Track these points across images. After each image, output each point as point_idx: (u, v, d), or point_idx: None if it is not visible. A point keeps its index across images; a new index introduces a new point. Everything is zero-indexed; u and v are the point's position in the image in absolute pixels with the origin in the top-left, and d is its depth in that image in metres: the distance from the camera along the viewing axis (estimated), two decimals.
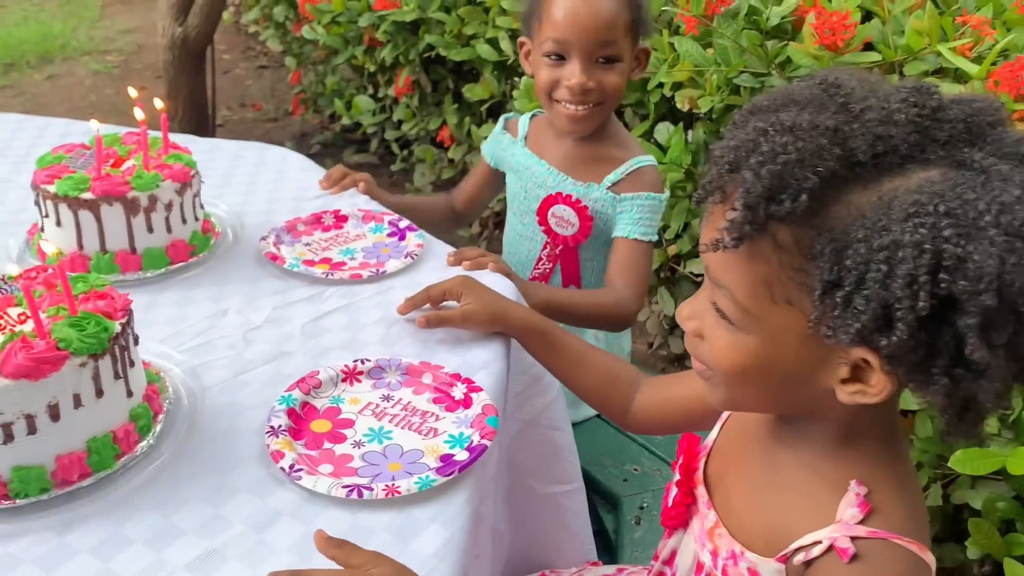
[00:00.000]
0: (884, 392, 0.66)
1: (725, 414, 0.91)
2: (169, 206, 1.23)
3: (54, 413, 0.83)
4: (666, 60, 1.87)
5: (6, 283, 0.92)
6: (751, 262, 0.67)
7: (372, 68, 3.25)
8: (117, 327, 0.88)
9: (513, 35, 2.50)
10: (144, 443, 0.92)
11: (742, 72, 1.78)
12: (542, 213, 1.49)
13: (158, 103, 1.29)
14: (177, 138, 1.64)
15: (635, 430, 1.13)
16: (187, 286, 1.23)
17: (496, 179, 1.68)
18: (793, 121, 0.66)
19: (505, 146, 1.60)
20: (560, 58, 1.39)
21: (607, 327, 1.50)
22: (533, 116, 1.59)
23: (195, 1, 3.37)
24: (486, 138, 2.85)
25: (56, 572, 0.78)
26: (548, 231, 1.51)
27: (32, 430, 0.82)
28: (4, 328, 0.86)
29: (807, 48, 1.65)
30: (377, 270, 1.28)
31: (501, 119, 1.66)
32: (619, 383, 1.10)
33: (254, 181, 1.56)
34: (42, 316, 0.87)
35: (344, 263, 1.31)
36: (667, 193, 1.49)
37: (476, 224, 3.15)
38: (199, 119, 3.61)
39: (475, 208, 1.77)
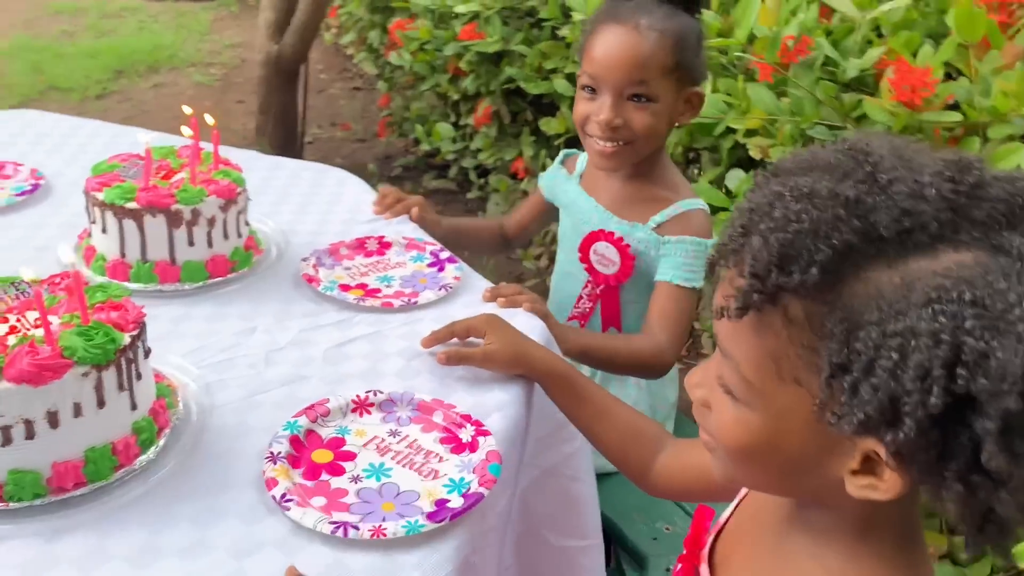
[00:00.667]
0: (895, 490, 0.60)
1: (743, 491, 0.85)
2: (212, 221, 1.24)
3: (53, 420, 0.83)
4: (738, 106, 1.83)
5: (30, 287, 0.94)
6: (759, 334, 0.63)
7: (455, 96, 3.28)
8: (126, 339, 0.88)
9: None
10: (144, 457, 0.92)
11: (816, 124, 1.72)
12: (584, 250, 1.46)
13: (209, 119, 1.32)
14: (239, 155, 1.69)
15: (653, 492, 1.08)
16: (221, 302, 1.24)
17: (548, 211, 1.67)
18: (811, 187, 0.61)
19: (560, 182, 1.58)
20: (594, 92, 1.37)
21: (644, 375, 1.45)
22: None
23: (292, 21, 3.48)
24: None
25: None
26: (590, 269, 1.47)
27: (30, 435, 0.83)
28: (19, 331, 0.87)
29: (884, 103, 1.57)
30: (409, 300, 1.26)
31: (561, 154, 1.64)
32: (641, 441, 1.06)
33: (309, 202, 1.58)
34: (56, 322, 0.88)
35: (379, 290, 1.30)
36: (715, 239, 1.43)
37: (544, 257, 3.14)
38: (288, 135, 3.72)
39: (524, 235, 1.77)
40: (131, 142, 1.74)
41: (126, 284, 1.23)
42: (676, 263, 1.39)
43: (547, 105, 2.97)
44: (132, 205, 1.20)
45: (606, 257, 1.44)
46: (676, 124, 1.43)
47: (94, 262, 1.25)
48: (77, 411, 0.85)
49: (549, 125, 2.78)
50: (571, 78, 2.57)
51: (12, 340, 0.85)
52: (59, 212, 1.45)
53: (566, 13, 2.53)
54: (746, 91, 1.79)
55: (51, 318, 0.88)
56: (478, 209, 3.44)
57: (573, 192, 1.53)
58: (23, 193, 1.48)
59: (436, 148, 3.47)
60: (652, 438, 1.05)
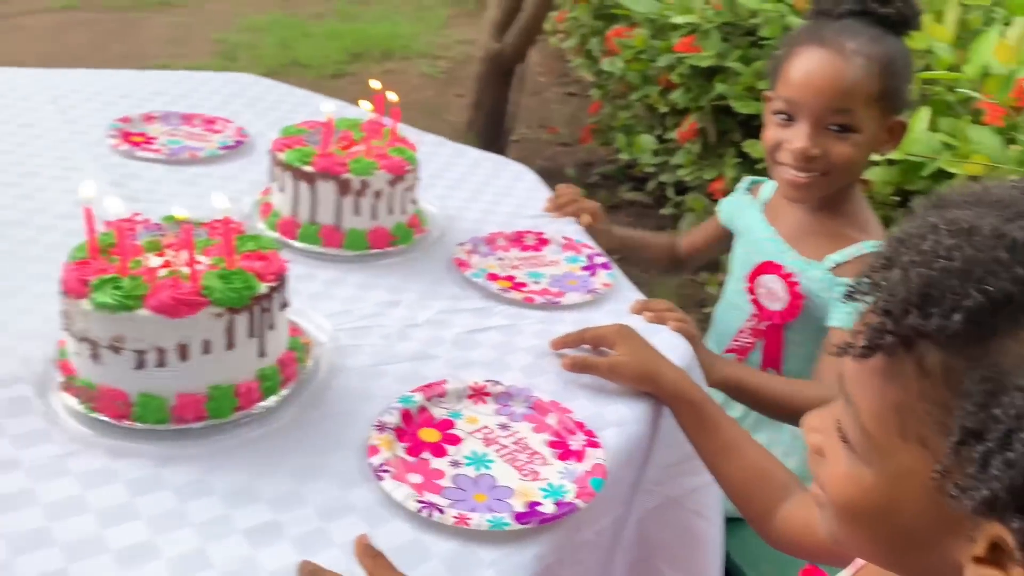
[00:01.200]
0: None
1: (859, 561, 0.76)
2: (379, 194, 1.28)
3: (183, 353, 0.88)
4: (959, 149, 1.65)
5: (195, 227, 1.00)
6: (887, 381, 0.55)
7: (663, 109, 3.22)
8: (263, 288, 0.92)
9: None
10: (263, 404, 0.95)
11: None
12: (751, 281, 1.37)
13: (392, 96, 1.35)
14: (428, 138, 1.73)
15: (770, 542, 0.99)
16: (375, 272, 1.27)
17: (723, 238, 1.58)
18: (972, 223, 0.53)
19: (742, 207, 1.50)
20: (789, 119, 1.27)
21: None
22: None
23: (516, 21, 3.56)
24: None
25: (139, 498, 0.83)
26: (755, 302, 1.38)
27: (161, 363, 0.88)
28: (171, 265, 0.93)
29: None
30: (553, 299, 1.24)
31: (747, 180, 1.56)
32: (767, 484, 0.97)
33: (480, 190, 1.59)
34: (204, 262, 0.93)
35: (525, 284, 1.29)
36: None
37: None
38: (495, 132, 3.80)
39: (696, 259, 1.71)
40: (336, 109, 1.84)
41: (292, 242, 1.29)
42: (848, 309, 1.27)
43: (756, 127, 2.84)
44: (308, 168, 1.26)
45: (773, 292, 1.34)
46: (874, 155, 1.31)
47: (269, 217, 1.33)
48: (206, 348, 0.89)
49: (755, 148, 2.65)
50: None
51: (162, 272, 0.91)
52: (252, 169, 1.55)
53: (787, 30, 2.41)
54: (969, 133, 1.61)
55: (201, 258, 0.94)
56: (670, 226, 3.35)
57: (753, 218, 1.44)
58: (227, 147, 1.60)
59: (635, 159, 3.42)
60: (779, 484, 0.97)
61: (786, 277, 1.32)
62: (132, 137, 1.59)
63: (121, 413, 0.90)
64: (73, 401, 0.92)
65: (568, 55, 4.71)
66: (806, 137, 1.26)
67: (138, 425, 0.90)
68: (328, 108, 1.30)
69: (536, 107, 4.53)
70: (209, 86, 1.91)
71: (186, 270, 0.91)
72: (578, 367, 1.06)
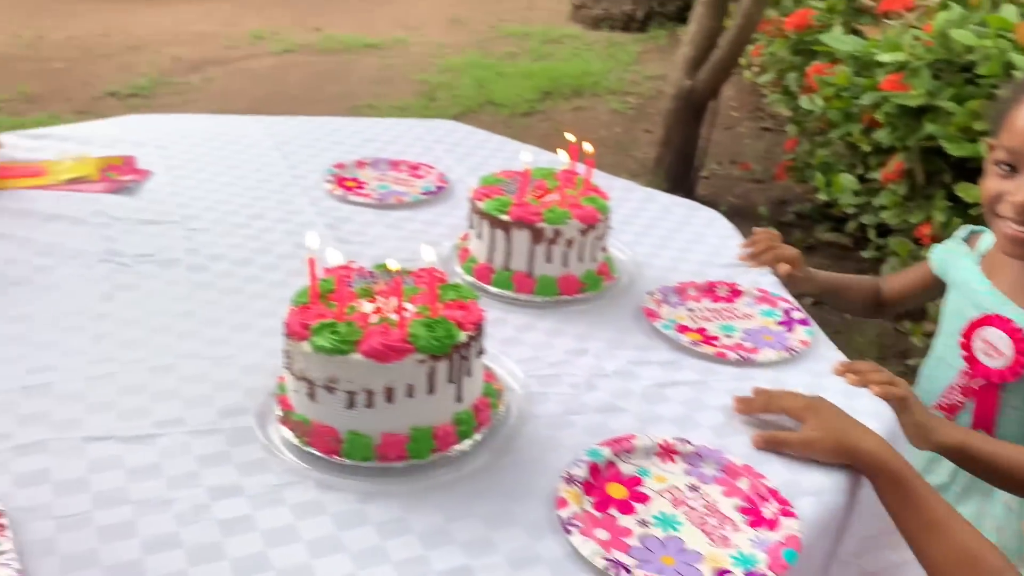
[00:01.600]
0: None
1: None
2: (570, 243, 1.30)
3: (389, 395, 0.94)
4: None
5: (404, 276, 1.06)
6: None
7: (866, 148, 3.07)
8: (463, 337, 0.96)
9: None
10: (459, 447, 0.99)
11: None
12: (968, 335, 1.28)
13: (588, 147, 1.38)
14: (617, 183, 1.75)
15: None
16: (563, 319, 1.30)
17: (933, 286, 1.49)
18: None
19: (958, 257, 1.40)
20: (1012, 169, 1.18)
21: None
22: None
23: (710, 57, 3.52)
24: None
25: (344, 532, 0.89)
26: (970, 358, 1.29)
27: (370, 404, 0.94)
28: (381, 312, 0.99)
29: None
30: (747, 355, 1.21)
31: (964, 229, 1.46)
32: (976, 570, 0.90)
33: (671, 236, 1.58)
34: (410, 309, 0.99)
35: (717, 338, 1.27)
36: None
37: None
38: (684, 168, 3.78)
39: (901, 304, 1.63)
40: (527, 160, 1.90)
41: (487, 286, 1.34)
42: None
43: (969, 169, 2.65)
44: (504, 217, 1.30)
45: (994, 347, 1.25)
46: None
47: (466, 262, 1.39)
48: (410, 392, 0.94)
49: (968, 192, 2.48)
50: None
51: (374, 319, 0.97)
52: (452, 214, 1.62)
53: (1009, 71, 2.24)
54: None
55: (408, 305, 0.99)
56: (871, 269, 3.18)
57: (968, 270, 1.35)
58: (429, 193, 1.69)
59: (834, 199, 3.28)
60: (990, 570, 0.89)
61: (1013, 332, 1.22)
62: (346, 182, 1.71)
63: (331, 449, 0.96)
64: (290, 434, 1.00)
65: (763, 90, 4.60)
66: None
67: (346, 461, 0.96)
68: (526, 158, 1.34)
69: (728, 142, 4.45)
70: (414, 132, 2.02)
71: (395, 317, 0.97)
72: (770, 445, 1.03)
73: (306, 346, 0.94)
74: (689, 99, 3.60)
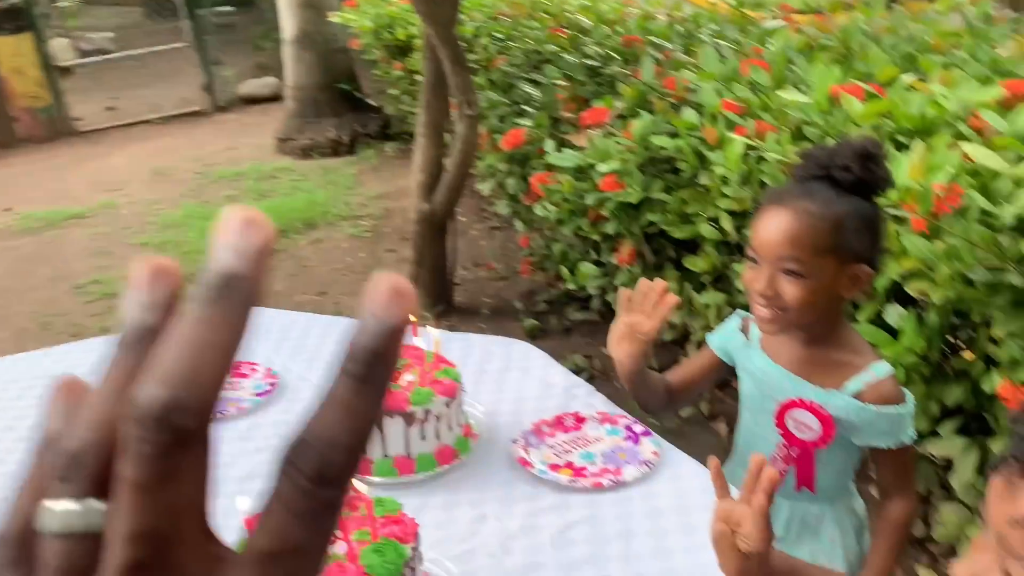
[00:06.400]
0: None
1: None
2: (439, 417, 1.42)
3: None
4: (893, 250, 1.91)
5: None
6: None
7: (596, 238, 3.47)
8: (409, 552, 1.04)
9: (733, 215, 2.62)
10: None
11: (976, 266, 1.78)
12: (780, 417, 1.55)
13: (412, 317, 1.51)
14: (432, 334, 1.88)
15: None
16: (452, 489, 1.40)
17: (721, 371, 1.75)
18: None
19: (739, 347, 1.68)
20: (756, 263, 1.47)
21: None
22: None
23: (441, 181, 3.80)
24: (708, 306, 2.93)
25: None
26: (786, 434, 1.56)
27: None
28: None
29: None
30: (616, 478, 1.39)
31: (735, 316, 1.73)
32: None
33: (503, 379, 1.75)
34: (351, 539, 1.05)
35: (585, 468, 1.44)
36: (911, 398, 1.51)
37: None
38: (441, 282, 4.00)
39: (689, 394, 1.79)
40: (345, 330, 1.98)
41: (371, 478, 1.41)
42: (884, 429, 1.47)
43: (689, 243, 3.12)
44: None
45: (805, 424, 1.52)
46: (842, 297, 1.51)
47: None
48: None
49: (695, 264, 2.91)
50: (714, 220, 2.71)
51: None
52: (295, 410, 1.66)
53: (703, 162, 2.70)
54: (899, 238, 1.87)
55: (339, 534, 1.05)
56: None
57: (757, 359, 1.62)
58: (263, 393, 1.71)
59: (580, 285, 3.65)
60: None
61: (817, 411, 1.50)
62: None
63: None
64: None
65: (483, 192, 4.99)
66: (764, 280, 1.47)
67: None
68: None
69: (465, 247, 4.75)
70: None
71: (340, 550, 1.03)
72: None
73: None
74: (431, 220, 3.84)
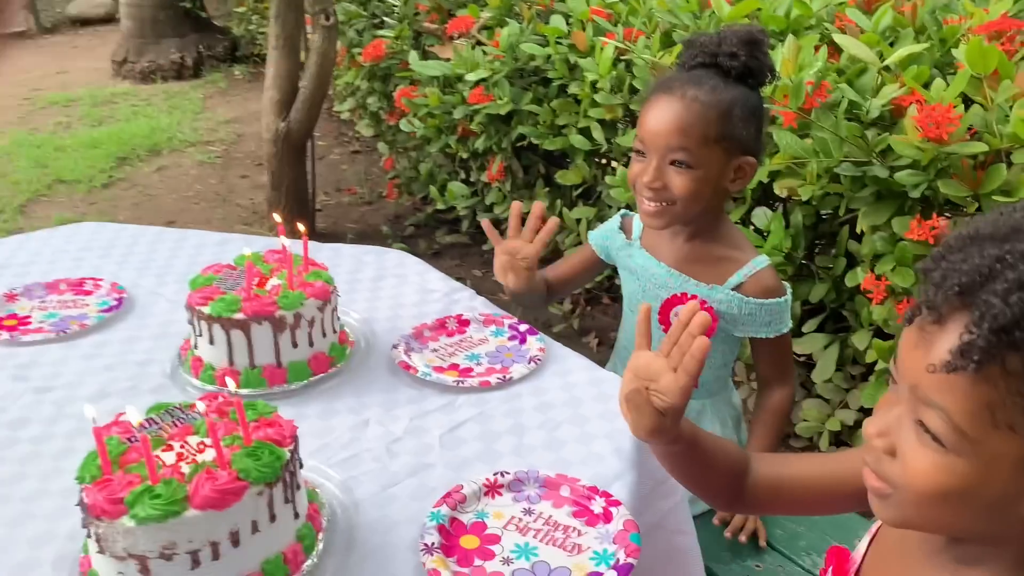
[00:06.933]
0: None
1: (874, 527, 0.91)
2: (312, 322, 1.31)
3: (235, 539, 0.89)
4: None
5: (184, 412, 1.00)
6: (976, 386, 0.67)
7: (465, 155, 3.37)
8: (287, 454, 0.95)
9: (604, 124, 2.59)
10: (309, 562, 0.97)
11: (843, 162, 1.81)
12: (664, 313, 1.53)
13: (277, 217, 1.39)
14: (297, 246, 1.76)
15: (745, 510, 1.12)
16: (329, 397, 1.30)
17: (599, 268, 1.73)
18: None
19: (620, 246, 1.64)
20: (642, 155, 1.45)
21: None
22: None
23: (297, 97, 3.58)
24: (579, 220, 2.90)
25: None
26: (668, 330, 1.54)
27: (216, 556, 0.88)
28: (186, 457, 0.93)
29: (911, 140, 1.67)
30: (504, 376, 1.33)
31: (618, 216, 1.70)
32: (734, 469, 1.02)
33: (377, 287, 1.64)
34: (213, 444, 0.94)
35: (471, 368, 1.37)
36: (789, 289, 1.52)
37: (567, 302, 3.21)
38: (300, 206, 3.80)
39: (566, 289, 1.81)
40: (197, 243, 1.81)
41: (238, 390, 1.29)
42: (765, 320, 1.48)
43: (558, 158, 3.07)
44: (239, 316, 1.26)
45: None
46: (727, 190, 1.49)
47: (203, 372, 1.31)
48: (254, 528, 0.91)
49: (565, 177, 2.87)
50: (584, 132, 2.66)
51: (186, 468, 0.91)
52: (147, 324, 1.51)
53: (573, 71, 2.63)
54: (771, 136, 1.88)
55: (207, 440, 0.94)
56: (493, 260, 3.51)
57: (639, 256, 1.60)
58: (109, 309, 1.54)
59: (450, 206, 3.55)
60: (739, 459, 1.03)
61: (700, 305, 1.49)
62: (4, 322, 1.49)
63: None
64: None
65: (343, 115, 4.76)
66: (651, 171, 1.43)
67: None
68: (246, 250, 1.31)
69: (326, 172, 4.54)
70: (52, 246, 1.81)
71: (205, 457, 0.92)
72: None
73: (126, 521, 0.86)
74: (288, 140, 3.62)
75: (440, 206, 3.59)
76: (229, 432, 0.96)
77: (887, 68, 1.80)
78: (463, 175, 3.61)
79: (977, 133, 1.67)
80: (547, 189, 3.11)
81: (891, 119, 1.84)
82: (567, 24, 2.71)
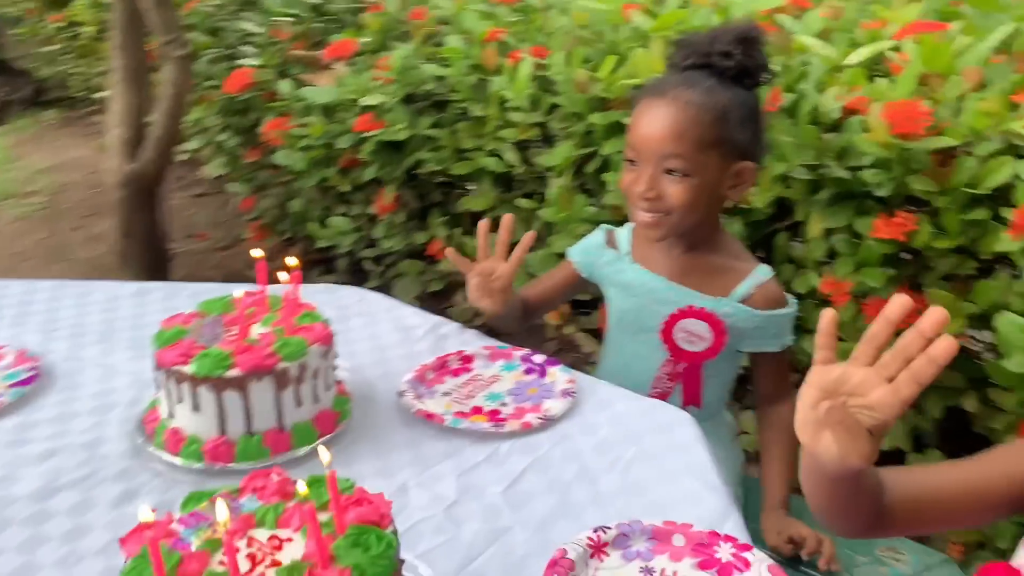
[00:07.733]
0: None
1: None
2: (316, 373, 1.08)
3: None
4: None
5: (236, 499, 0.77)
6: None
7: (346, 188, 3.14)
8: (395, 539, 0.74)
9: (519, 146, 2.46)
10: None
11: (798, 166, 1.78)
12: (668, 329, 1.41)
13: (291, 260, 1.16)
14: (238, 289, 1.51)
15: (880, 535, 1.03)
16: (346, 461, 1.08)
17: (579, 287, 1.60)
18: None
19: (608, 261, 1.51)
20: (634, 163, 1.35)
21: None
22: (634, 227, 1.52)
23: (146, 136, 3.21)
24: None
25: None
26: (673, 348, 1.43)
27: None
28: (262, 559, 0.70)
29: (877, 138, 1.66)
30: (542, 416, 1.16)
31: (601, 230, 1.57)
32: (877, 491, 0.96)
33: (348, 328, 1.42)
34: (301, 539, 0.72)
35: (498, 411, 1.19)
36: (793, 299, 1.45)
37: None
38: (156, 256, 3.41)
39: (544, 309, 1.67)
40: (109, 296, 1.52)
41: (232, 465, 1.04)
42: (773, 332, 1.40)
43: (454, 186, 2.92)
44: (234, 373, 1.02)
45: (695, 334, 1.39)
46: (726, 198, 1.41)
47: (186, 448, 1.05)
48: None
49: (472, 203, 2.72)
50: (494, 154, 2.53)
51: (272, 574, 0.68)
52: (79, 396, 1.21)
53: (482, 90, 2.50)
54: None
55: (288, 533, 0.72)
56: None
57: (632, 272, 1.47)
58: (23, 382, 1.22)
59: (335, 243, 3.29)
60: (878, 480, 0.93)
61: (708, 318, 1.38)
62: None
63: None
64: None
65: (185, 157, 4.36)
66: (645, 180, 1.33)
67: None
68: (236, 293, 1.07)
69: (170, 217, 4.13)
70: None
71: (294, 553, 0.69)
72: None
73: None
74: (140, 183, 3.24)
75: (323, 243, 3.32)
76: (304, 521, 0.74)
77: (838, 69, 1.79)
78: (343, 211, 3.37)
79: (934, 127, 1.69)
80: (444, 218, 2.95)
81: (838, 121, 1.84)
82: (465, 44, 2.57)
